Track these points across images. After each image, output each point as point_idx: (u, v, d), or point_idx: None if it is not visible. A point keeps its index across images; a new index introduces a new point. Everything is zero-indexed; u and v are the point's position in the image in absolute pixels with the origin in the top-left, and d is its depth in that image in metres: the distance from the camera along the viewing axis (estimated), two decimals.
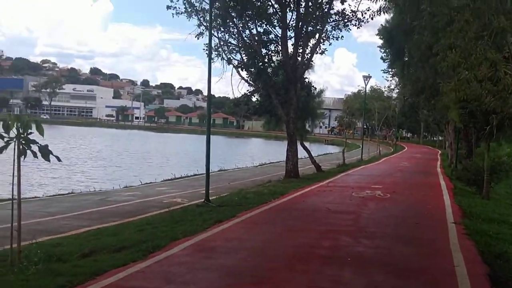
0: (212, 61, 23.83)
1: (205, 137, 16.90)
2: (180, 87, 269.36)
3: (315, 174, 27.23)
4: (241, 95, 24.32)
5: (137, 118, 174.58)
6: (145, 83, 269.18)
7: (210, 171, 30.87)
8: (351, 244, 9.88)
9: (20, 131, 8.06)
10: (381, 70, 60.68)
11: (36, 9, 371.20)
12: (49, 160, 8.23)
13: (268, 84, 23.62)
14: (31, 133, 8.15)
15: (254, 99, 25.26)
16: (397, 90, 68.53)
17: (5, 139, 7.97)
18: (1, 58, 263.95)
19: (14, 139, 8.02)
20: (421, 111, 74.18)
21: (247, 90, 24.38)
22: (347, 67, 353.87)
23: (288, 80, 23.58)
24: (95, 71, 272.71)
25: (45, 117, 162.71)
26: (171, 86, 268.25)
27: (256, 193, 17.49)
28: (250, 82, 24.28)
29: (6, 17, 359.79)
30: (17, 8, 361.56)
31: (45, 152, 8.19)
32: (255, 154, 62.86)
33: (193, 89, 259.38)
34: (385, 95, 79.95)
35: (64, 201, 17.48)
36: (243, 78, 23.99)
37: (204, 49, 24.30)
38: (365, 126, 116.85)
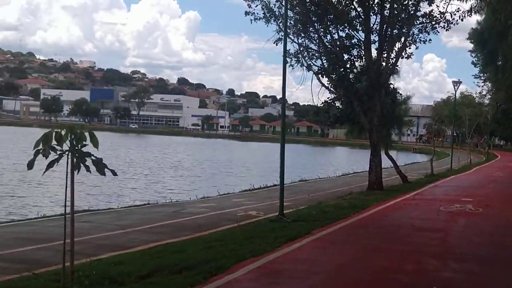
0: (291, 67, 23.39)
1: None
2: (265, 96, 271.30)
3: (401, 185, 25.86)
4: (321, 102, 23.37)
5: (222, 127, 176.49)
6: (231, 92, 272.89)
7: (290, 182, 30.35)
8: (438, 269, 8.74)
9: (74, 143, 7.50)
10: (472, 76, 57.71)
11: (127, 22, 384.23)
12: (104, 174, 7.61)
13: (350, 90, 22.54)
14: (85, 145, 7.57)
15: (336, 106, 24.21)
16: (489, 96, 65.36)
17: (58, 152, 7.42)
18: (93, 70, 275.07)
19: (67, 152, 7.45)
20: None
21: (328, 98, 23.40)
22: (436, 73, 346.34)
23: (371, 86, 22.42)
24: (182, 81, 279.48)
25: (134, 126, 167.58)
26: (256, 95, 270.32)
27: (335, 206, 16.47)
28: (331, 89, 23.27)
29: (98, 30, 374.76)
30: (108, 21, 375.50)
31: (100, 166, 7.58)
32: (339, 163, 61.59)
33: (278, 97, 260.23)
34: (476, 101, 76.65)
35: (137, 212, 17.05)
36: (323, 85, 23.02)
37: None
38: (455, 134, 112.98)
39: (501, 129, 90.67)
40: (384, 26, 22.43)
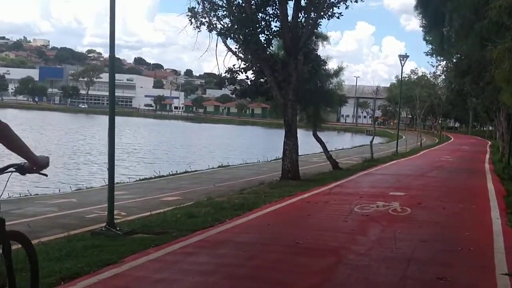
0: (198, 29, 18.91)
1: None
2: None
3: (328, 173, 21.71)
4: (225, 71, 18.90)
5: (176, 108, 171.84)
6: (189, 73, 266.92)
7: (207, 168, 26.00)
8: None
9: None
10: (424, 53, 52.77)
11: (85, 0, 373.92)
12: None
13: (260, 56, 18.13)
14: None
15: (244, 76, 19.73)
16: (443, 77, 62.14)
17: None
18: (47, 48, 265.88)
19: None
20: (470, 99, 67.96)
21: (233, 65, 18.95)
22: (395, 56, 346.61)
23: (286, 51, 18.09)
24: (139, 61, 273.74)
25: (83, 106, 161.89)
26: (214, 76, 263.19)
27: (215, 206, 12.06)
28: (239, 54, 18.84)
29: (55, 9, 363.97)
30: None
31: None
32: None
33: (238, 78, 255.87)
34: (431, 83, 73.69)
35: None
36: (229, 49, 18.61)
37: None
38: (409, 116, 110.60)
39: (455, 111, 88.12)
40: None
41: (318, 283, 6.53)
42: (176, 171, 24.76)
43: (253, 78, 19.29)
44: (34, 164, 4.23)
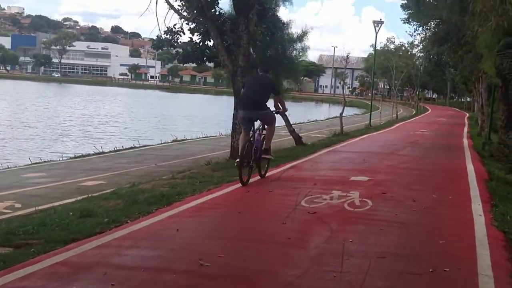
0: None
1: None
2: None
3: (289, 149, 19.13)
4: (164, 31, 16.12)
5: (152, 77, 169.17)
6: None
7: (159, 143, 23.41)
8: None
9: None
10: (401, 20, 49.55)
11: None
12: None
13: (206, 14, 15.41)
14: None
15: (187, 38, 17.00)
16: (421, 47, 59.91)
17: None
18: (21, 16, 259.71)
19: None
20: (448, 69, 66.12)
21: (175, 24, 16.25)
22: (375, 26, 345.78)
23: (235, 8, 15.42)
24: (116, 29, 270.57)
25: (56, 75, 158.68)
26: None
27: (129, 198, 9.48)
28: (183, 13, 16.09)
29: None
30: None
31: None
32: None
33: (181, 41, 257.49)
34: (408, 53, 71.66)
35: None
36: (172, 7, 15.85)
37: None
38: (387, 86, 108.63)
39: (434, 82, 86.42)
40: None
41: None
42: (122, 147, 22.27)
43: (198, 41, 16.58)
44: (284, 110, 12.49)
